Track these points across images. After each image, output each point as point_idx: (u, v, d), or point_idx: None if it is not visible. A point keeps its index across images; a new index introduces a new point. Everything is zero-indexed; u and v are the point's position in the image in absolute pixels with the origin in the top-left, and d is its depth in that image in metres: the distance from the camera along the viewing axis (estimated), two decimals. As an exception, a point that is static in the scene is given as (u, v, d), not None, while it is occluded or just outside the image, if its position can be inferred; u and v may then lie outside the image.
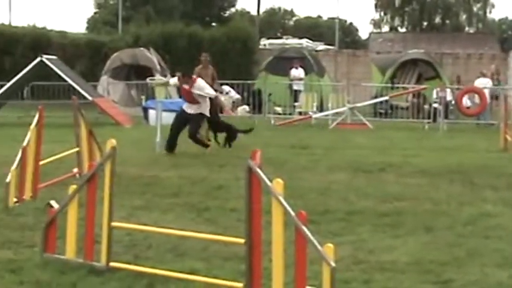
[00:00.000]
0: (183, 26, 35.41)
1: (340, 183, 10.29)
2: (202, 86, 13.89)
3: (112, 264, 5.89)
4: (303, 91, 25.39)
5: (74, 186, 6.22)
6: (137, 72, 27.92)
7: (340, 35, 49.85)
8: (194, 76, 14.36)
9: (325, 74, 29.11)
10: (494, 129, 19.62)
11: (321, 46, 42.55)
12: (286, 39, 43.83)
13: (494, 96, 24.61)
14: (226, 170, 11.28)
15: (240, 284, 5.30)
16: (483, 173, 11.58)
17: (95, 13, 62.81)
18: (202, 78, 20.00)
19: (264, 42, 39.98)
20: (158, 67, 27.16)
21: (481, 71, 25.18)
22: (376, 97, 25.20)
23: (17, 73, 22.36)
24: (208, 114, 13.96)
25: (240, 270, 5.64)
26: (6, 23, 44.30)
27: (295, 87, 25.63)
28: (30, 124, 9.17)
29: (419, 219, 8.02)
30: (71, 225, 6.12)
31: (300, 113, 24.13)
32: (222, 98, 24.98)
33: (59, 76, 21.92)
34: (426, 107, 23.96)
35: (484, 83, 24.03)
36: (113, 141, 5.99)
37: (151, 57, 27.57)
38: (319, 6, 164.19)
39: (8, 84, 22.05)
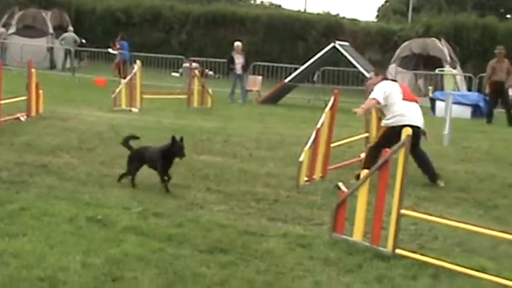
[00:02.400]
0: (476, 17, 34.33)
1: None
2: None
3: (398, 251, 5.90)
4: None
5: (366, 171, 6.32)
6: (426, 63, 27.62)
7: None
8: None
9: None
10: None
11: None
12: None
13: None
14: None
15: (533, 289, 5.05)
16: None
17: (386, 1, 63.06)
18: (496, 72, 19.32)
19: None
20: (448, 58, 26.64)
21: None
22: None
23: (309, 58, 23.16)
24: None
25: (532, 274, 5.38)
26: (302, 9, 46.20)
27: None
28: (319, 107, 9.45)
29: None
30: (360, 209, 6.23)
31: None
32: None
33: (349, 62, 22.33)
34: None
35: None
36: (408, 130, 5.98)
37: (441, 47, 27.10)
38: None
39: (301, 68, 22.93)
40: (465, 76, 26.32)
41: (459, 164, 11.02)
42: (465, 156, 11.96)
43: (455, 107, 17.52)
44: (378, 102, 9.25)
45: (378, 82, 9.52)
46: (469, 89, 25.02)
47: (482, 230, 6.15)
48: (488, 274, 5.44)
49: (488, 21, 33.41)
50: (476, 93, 23.02)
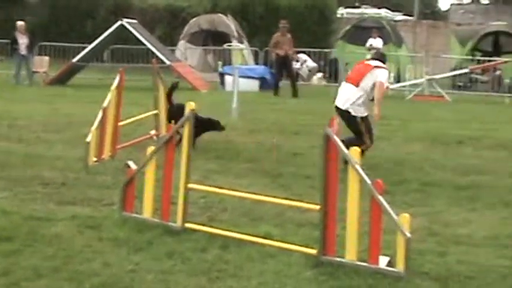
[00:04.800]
0: (260, -7, 35.25)
1: (416, 154, 10.17)
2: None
3: (187, 225, 5.98)
4: (380, 61, 25.02)
5: (152, 148, 6.32)
6: (214, 38, 28.03)
7: (420, 5, 48.76)
8: None
9: (403, 44, 28.61)
10: None
11: (399, 16, 41.75)
12: (365, 8, 43.18)
13: None
14: (300, 138, 11.27)
15: (314, 250, 5.32)
16: None
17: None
18: (280, 45, 20.06)
19: (342, 11, 39.46)
20: (235, 33, 27.20)
21: None
22: (455, 69, 24.65)
23: (98, 36, 22.70)
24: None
25: (314, 237, 5.65)
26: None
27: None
28: (109, 86, 9.33)
29: (497, 194, 7.88)
30: (148, 186, 6.23)
31: (377, 83, 23.78)
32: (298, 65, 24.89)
33: (138, 40, 22.17)
34: (507, 81, 23.41)
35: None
36: (191, 104, 6.05)
37: (229, 23, 27.61)
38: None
39: (89, 47, 22.43)
40: (252, 50, 27.04)
41: (247, 135, 11.34)
42: (253, 128, 12.33)
43: (243, 80, 18.00)
44: None
45: None
46: (256, 63, 25.75)
47: (267, 199, 6.39)
48: (274, 240, 5.67)
49: (271, -3, 34.41)
50: (263, 67, 23.75)
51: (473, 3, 59.92)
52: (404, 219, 5.06)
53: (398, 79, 24.45)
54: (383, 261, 5.13)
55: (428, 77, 22.04)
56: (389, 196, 6.83)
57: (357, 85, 8.97)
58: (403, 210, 5.55)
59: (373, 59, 9.44)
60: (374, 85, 8.95)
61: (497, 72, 24.07)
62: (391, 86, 22.33)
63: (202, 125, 9.66)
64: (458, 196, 7.76)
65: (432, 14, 65.61)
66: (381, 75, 8.98)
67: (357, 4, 49.97)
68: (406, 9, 51.30)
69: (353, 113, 8.97)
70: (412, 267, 5.09)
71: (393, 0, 62.97)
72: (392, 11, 44.44)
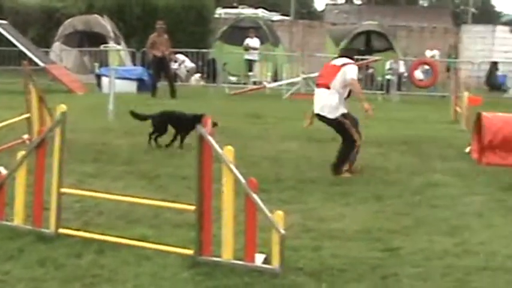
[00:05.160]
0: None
1: (292, 152, 10.35)
2: None
3: (61, 230, 5.85)
4: (257, 61, 25.35)
5: (23, 152, 6.14)
6: (90, 39, 27.53)
7: (296, 5, 49.69)
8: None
9: (279, 44, 29.07)
10: (445, 101, 19.87)
11: (276, 16, 42.35)
12: (242, 8, 43.55)
13: (446, 69, 25.68)
14: (178, 138, 11.22)
15: (190, 251, 5.32)
16: (433, 144, 11.77)
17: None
18: (157, 46, 19.97)
19: (220, 11, 39.63)
20: (112, 34, 26.82)
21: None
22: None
23: (-34, 38, 21.88)
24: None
25: (191, 238, 5.64)
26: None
27: (249, 57, 25.57)
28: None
29: (369, 189, 8.14)
30: (19, 192, 6.04)
31: (255, 83, 24.08)
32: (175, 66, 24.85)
33: (9, 41, 21.50)
34: (379, 79, 24.24)
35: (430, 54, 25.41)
36: (63, 107, 5.91)
37: (105, 24, 27.19)
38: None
39: (-43, 49, 21.59)
40: (129, 51, 26.75)
41: (123, 137, 11.20)
42: (130, 130, 12.18)
43: (121, 82, 17.79)
44: None
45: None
46: (134, 64, 25.51)
47: (143, 201, 6.33)
48: (149, 242, 5.63)
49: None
50: (140, 68, 23.54)
51: (347, 4, 61.78)
52: (278, 217, 5.14)
53: (275, 78, 24.80)
54: (259, 259, 5.19)
55: (304, 75, 22.44)
56: (265, 194, 6.94)
57: (329, 88, 8.98)
58: (278, 208, 5.62)
59: (340, 56, 9.48)
60: (345, 83, 8.97)
61: (370, 71, 24.82)
62: (268, 85, 22.73)
63: (191, 122, 10.08)
64: (332, 192, 7.96)
65: (308, 14, 67.08)
66: (349, 71, 8.99)
67: (234, 4, 50.34)
68: (283, 9, 52.18)
69: (332, 116, 8.97)
70: (287, 264, 5.17)
71: (270, 1, 63.87)
72: (269, 11, 45.00)
